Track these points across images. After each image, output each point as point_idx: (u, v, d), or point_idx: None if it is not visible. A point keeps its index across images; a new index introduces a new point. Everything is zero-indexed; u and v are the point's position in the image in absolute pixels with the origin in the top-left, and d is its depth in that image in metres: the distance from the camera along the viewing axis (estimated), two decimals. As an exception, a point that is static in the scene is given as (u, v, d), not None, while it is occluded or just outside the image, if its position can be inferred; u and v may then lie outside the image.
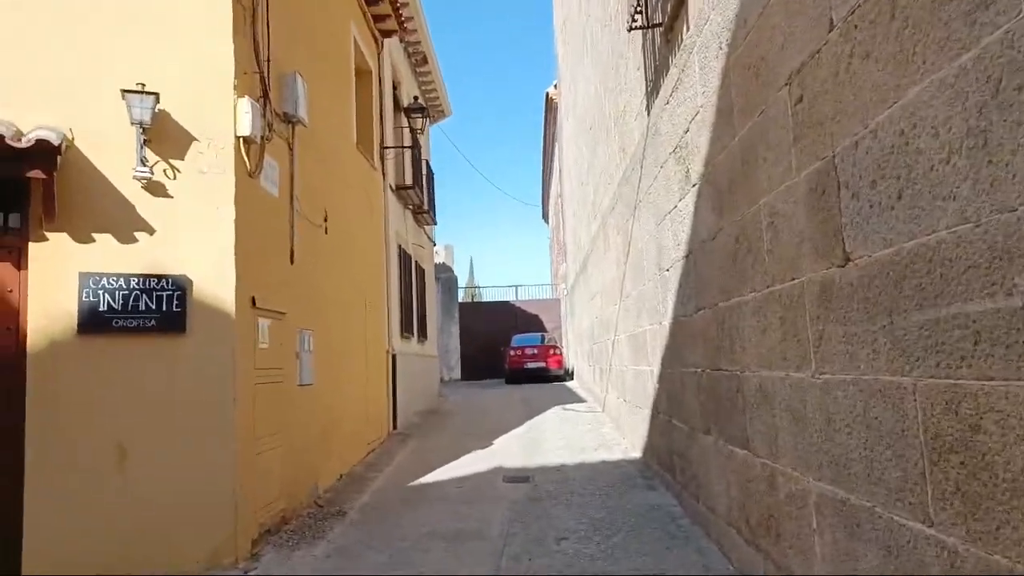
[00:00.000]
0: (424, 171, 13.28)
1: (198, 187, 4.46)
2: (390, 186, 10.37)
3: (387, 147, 9.92)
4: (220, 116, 4.54)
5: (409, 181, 11.16)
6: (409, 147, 10.82)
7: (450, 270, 23.62)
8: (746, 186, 3.39)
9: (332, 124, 7.42)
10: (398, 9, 9.70)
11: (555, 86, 23.65)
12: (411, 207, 12.17)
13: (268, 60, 5.16)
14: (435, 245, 15.86)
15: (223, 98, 4.56)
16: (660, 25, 5.39)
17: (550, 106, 24.61)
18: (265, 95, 5.06)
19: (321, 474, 6.27)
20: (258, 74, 4.99)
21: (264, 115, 4.98)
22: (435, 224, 13.85)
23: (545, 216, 39.50)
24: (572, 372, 19.78)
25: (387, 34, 9.96)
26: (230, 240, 4.46)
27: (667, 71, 5.20)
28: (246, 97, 4.62)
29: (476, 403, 14.15)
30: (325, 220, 6.74)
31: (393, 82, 11.33)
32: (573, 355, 19.38)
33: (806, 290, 2.71)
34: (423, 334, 13.08)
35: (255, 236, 4.86)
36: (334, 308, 7.02)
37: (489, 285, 54.48)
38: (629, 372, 7.88)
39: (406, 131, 11.44)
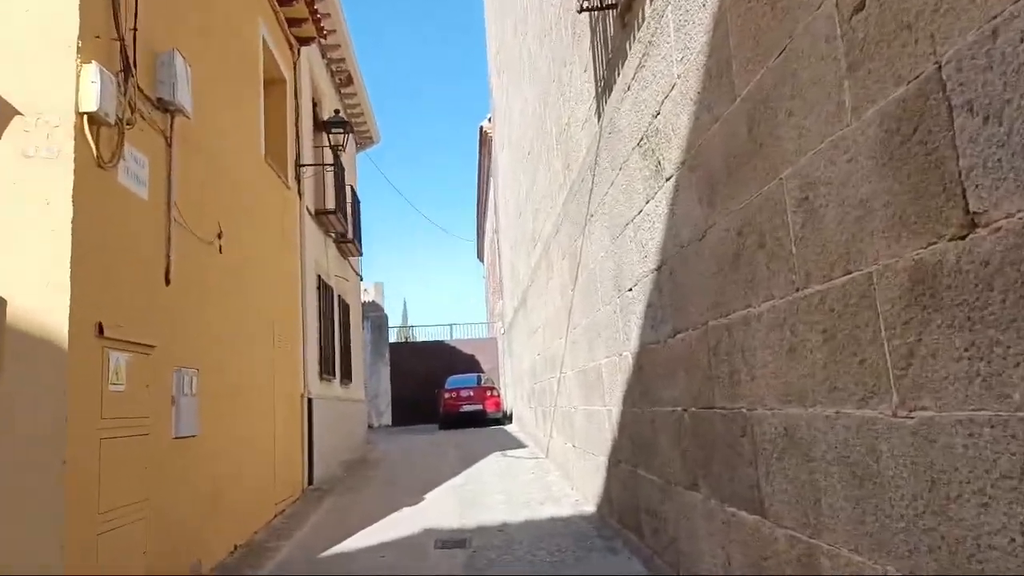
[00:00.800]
0: (349, 197, 12.22)
1: (20, 175, 3.35)
2: (308, 209, 9.29)
3: (304, 164, 8.86)
4: (55, 84, 3.46)
5: (331, 205, 10.10)
6: (329, 165, 9.76)
7: (380, 308, 22.36)
8: (755, 159, 2.53)
9: (233, 129, 6.35)
10: (316, 14, 8.76)
11: (489, 119, 23.06)
12: (333, 235, 11.07)
13: (135, 30, 4.11)
14: (362, 280, 14.73)
15: (60, 62, 3.48)
16: (615, 6, 4.61)
17: (484, 140, 23.98)
18: (127, 70, 3.99)
19: (208, 547, 5.04)
20: (118, 42, 3.93)
21: (124, 93, 3.90)
22: (360, 255, 12.77)
23: (480, 255, 38.79)
24: (511, 415, 18.73)
25: (304, 41, 8.99)
26: (65, 246, 3.34)
27: (624, 60, 4.39)
28: (94, 63, 3.55)
29: (407, 451, 12.92)
30: (219, 237, 5.63)
31: (313, 100, 10.33)
32: (512, 397, 18.36)
33: (878, 285, 1.83)
34: (347, 376, 11.87)
35: (108, 245, 3.75)
36: (231, 343, 5.86)
37: (423, 324, 52.70)
38: (579, 413, 6.93)
39: (328, 152, 10.41)
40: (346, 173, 12.45)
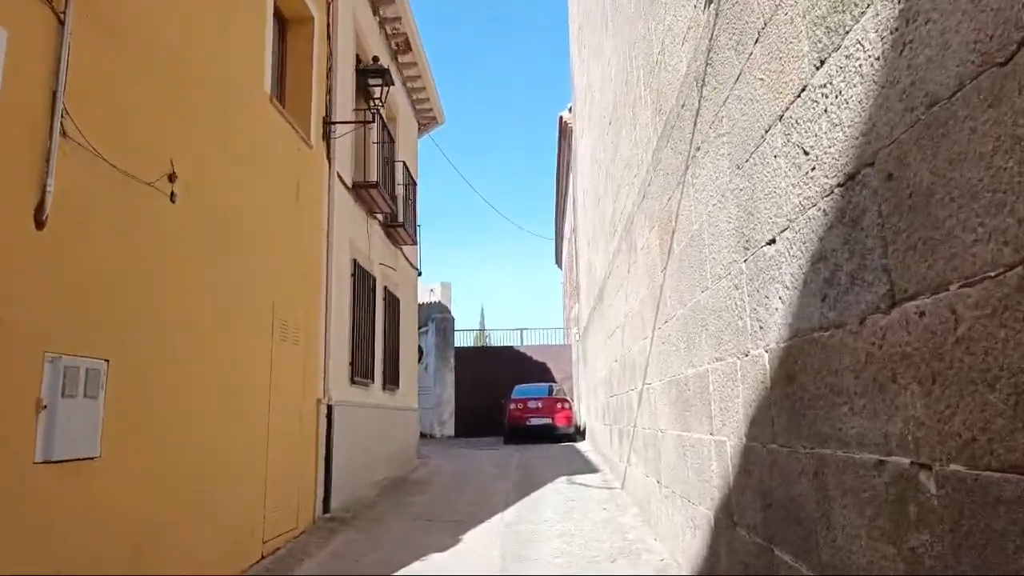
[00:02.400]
0: (401, 176, 10.70)
1: None
2: (341, 178, 7.76)
3: (333, 122, 7.32)
4: None
5: (374, 178, 8.55)
6: (368, 122, 8.18)
7: (446, 310, 20.84)
8: None
9: (218, 48, 4.83)
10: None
11: (569, 109, 21.35)
12: (380, 216, 9.53)
13: None
14: (420, 275, 13.19)
15: None
16: None
17: (564, 131, 22.26)
18: None
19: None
20: None
21: None
22: (415, 244, 11.20)
23: (558, 260, 37.01)
24: (584, 431, 16.82)
25: (338, -26, 7.48)
26: None
27: None
28: None
29: (461, 469, 11.24)
30: (172, 180, 4.08)
31: (358, 55, 8.83)
32: (585, 410, 16.45)
33: None
34: (392, 380, 10.30)
35: None
36: (190, 327, 4.29)
37: (492, 328, 50.69)
38: (668, 440, 5.06)
39: (376, 127, 8.88)
40: (399, 147, 10.94)
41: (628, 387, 7.42)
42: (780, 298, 2.56)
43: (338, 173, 7.72)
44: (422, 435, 19.96)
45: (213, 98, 4.75)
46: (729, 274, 3.23)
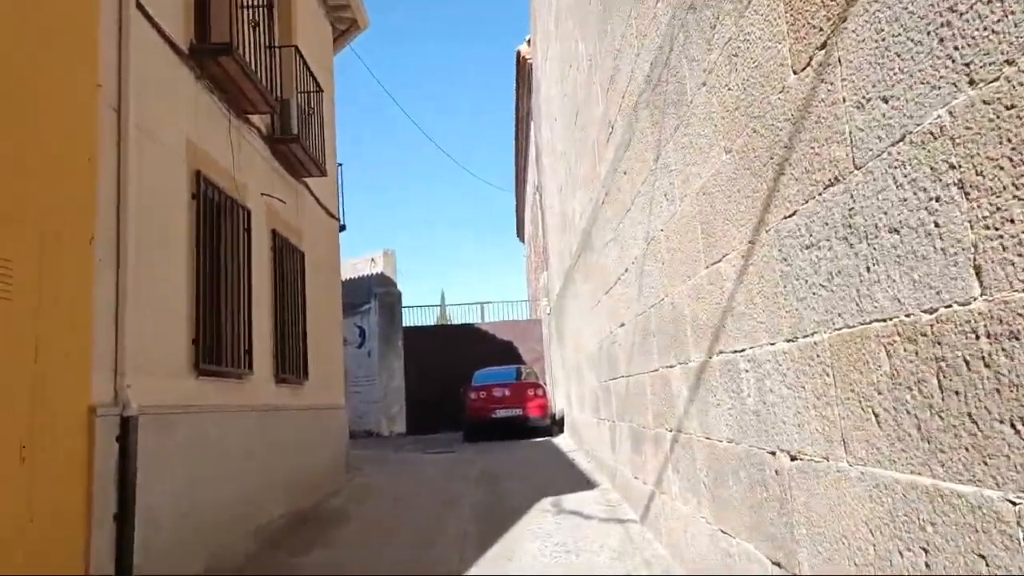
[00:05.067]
0: (298, 72, 7.47)
1: None
2: (156, 25, 4.54)
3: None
4: None
5: (225, 39, 5.31)
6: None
7: (391, 283, 17.49)
8: None
9: None
10: None
11: (528, 42, 18.20)
12: (251, 116, 6.32)
13: None
14: (343, 228, 9.96)
15: None
16: None
17: (523, 70, 19.11)
18: None
19: None
20: None
21: None
22: (323, 175, 7.98)
23: (519, 233, 33.89)
24: (560, 421, 13.82)
25: None
26: None
27: None
28: None
29: (400, 487, 8.12)
30: None
31: None
32: (563, 397, 13.45)
33: None
34: (295, 370, 7.13)
35: None
36: None
37: (449, 303, 45.50)
38: (830, 483, 2.02)
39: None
40: (301, 43, 7.70)
41: (651, 363, 4.40)
42: None
43: (151, 17, 4.50)
44: (368, 434, 16.75)
45: None
46: None
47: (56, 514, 3.31)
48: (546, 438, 13.12)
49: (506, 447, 11.91)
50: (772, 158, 2.36)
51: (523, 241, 32.50)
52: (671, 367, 3.97)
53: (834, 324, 2.01)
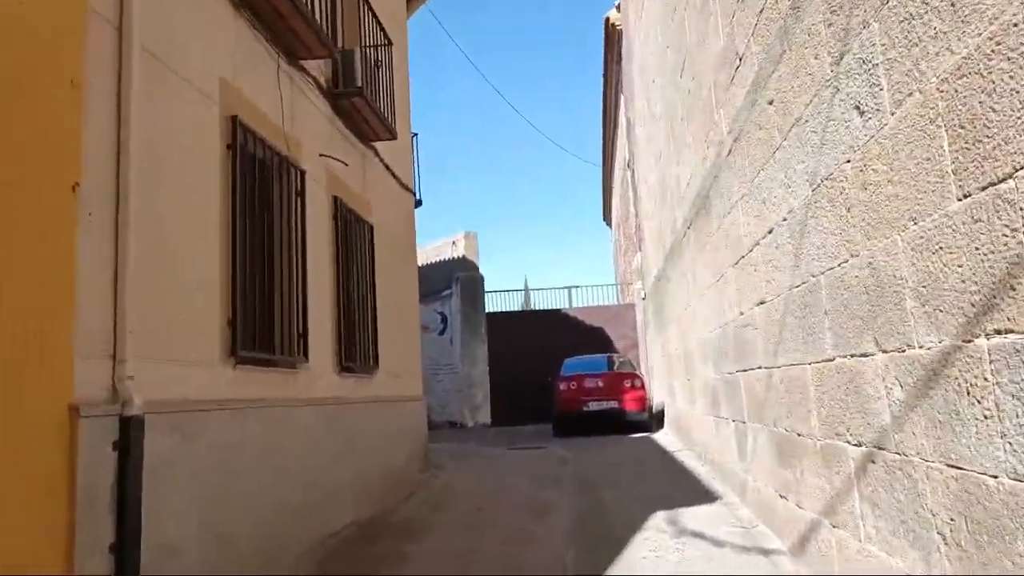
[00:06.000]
0: (364, 14, 6.55)
1: None
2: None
3: None
4: None
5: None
6: None
7: (473, 267, 16.57)
8: None
9: None
10: None
11: (617, 7, 16.86)
12: (305, 60, 5.43)
13: None
14: (420, 204, 9.06)
15: None
16: None
17: (611, 39, 17.79)
18: None
19: None
20: None
21: None
22: (394, 138, 7.05)
23: (606, 217, 32.43)
24: (660, 414, 12.55)
25: None
26: None
27: None
28: None
29: (483, 491, 7.14)
30: None
31: None
32: (663, 389, 12.19)
33: None
34: (363, 358, 6.25)
35: None
36: None
37: (534, 288, 43.16)
38: None
39: None
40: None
41: (835, 350, 3.18)
42: None
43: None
44: (451, 425, 15.97)
45: None
46: None
47: (24, 550, 2.45)
48: (645, 434, 11.90)
49: (601, 443, 10.78)
50: None
51: (609, 225, 31.05)
52: (865, 356, 2.76)
53: None
